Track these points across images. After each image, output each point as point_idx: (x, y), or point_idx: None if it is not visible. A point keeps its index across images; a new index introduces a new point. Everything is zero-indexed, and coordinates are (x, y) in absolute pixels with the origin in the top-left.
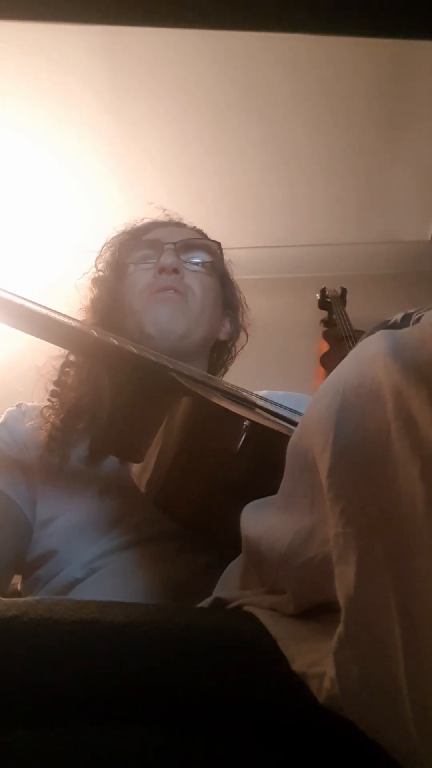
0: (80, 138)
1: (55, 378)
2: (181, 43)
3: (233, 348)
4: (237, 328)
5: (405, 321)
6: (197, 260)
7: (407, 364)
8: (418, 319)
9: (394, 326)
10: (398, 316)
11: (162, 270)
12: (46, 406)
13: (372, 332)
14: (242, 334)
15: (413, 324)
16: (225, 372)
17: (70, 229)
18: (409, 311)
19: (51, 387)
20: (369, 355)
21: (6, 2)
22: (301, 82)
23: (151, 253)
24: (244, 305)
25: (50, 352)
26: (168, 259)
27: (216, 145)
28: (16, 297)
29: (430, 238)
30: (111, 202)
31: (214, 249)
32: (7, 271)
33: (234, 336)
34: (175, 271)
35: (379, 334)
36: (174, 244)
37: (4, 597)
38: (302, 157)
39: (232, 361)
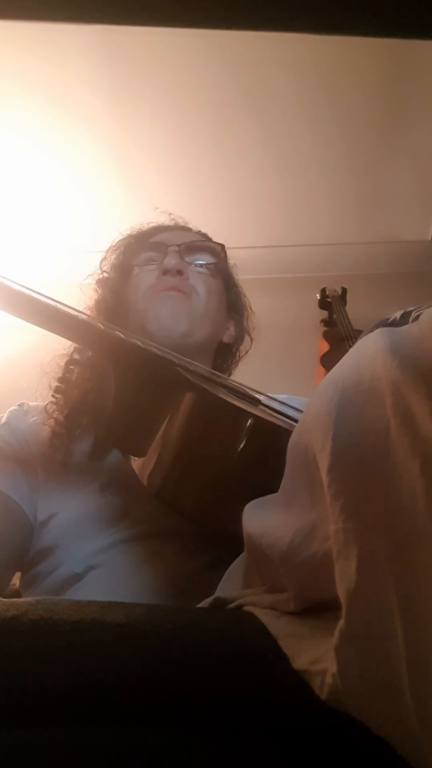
0: (79, 138)
1: (59, 376)
2: (181, 43)
3: (237, 352)
4: (242, 332)
5: (404, 319)
6: (201, 262)
7: (405, 361)
8: (417, 317)
9: (393, 324)
10: (397, 314)
11: (166, 271)
12: (50, 403)
13: (371, 330)
14: (247, 339)
15: (412, 322)
16: (229, 376)
17: (69, 229)
18: (408, 309)
19: (55, 384)
20: (368, 353)
21: (6, 2)
22: (301, 82)
23: (156, 255)
24: (249, 309)
25: (55, 351)
26: (171, 261)
27: (216, 144)
28: (25, 288)
29: (430, 238)
30: (110, 202)
31: (218, 251)
32: (6, 271)
33: (238, 340)
34: (179, 272)
35: (378, 332)
36: (178, 246)
37: (4, 597)
38: (302, 157)
39: (235, 366)
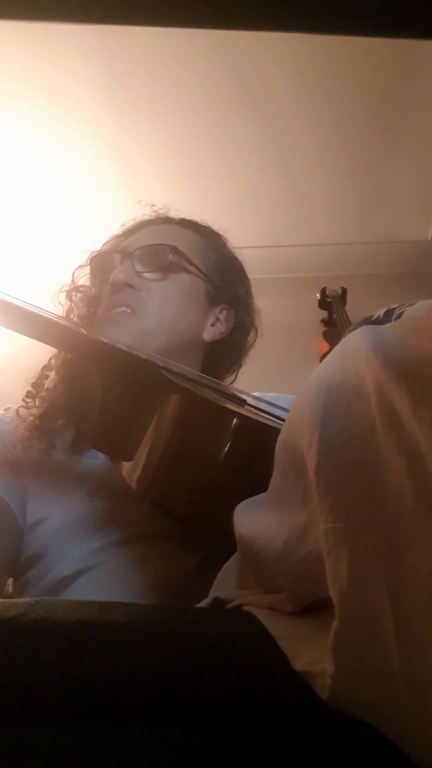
0: (79, 138)
1: (33, 381)
2: (181, 43)
3: (242, 346)
4: (239, 323)
5: (387, 317)
6: (151, 271)
7: (388, 359)
8: (400, 315)
9: (377, 322)
10: (380, 312)
11: (114, 288)
12: (21, 407)
13: (355, 328)
14: (243, 332)
15: (395, 319)
16: (230, 373)
17: (69, 229)
18: (392, 307)
19: (27, 389)
20: (352, 351)
21: (6, 2)
22: (300, 81)
23: (115, 264)
24: (248, 298)
25: (43, 356)
26: (118, 275)
27: (216, 145)
28: (8, 296)
29: (430, 238)
30: (110, 202)
31: (170, 250)
32: (4, 271)
33: (234, 332)
34: (128, 285)
35: (362, 330)
36: (131, 253)
37: None
38: (302, 157)
39: (237, 360)
